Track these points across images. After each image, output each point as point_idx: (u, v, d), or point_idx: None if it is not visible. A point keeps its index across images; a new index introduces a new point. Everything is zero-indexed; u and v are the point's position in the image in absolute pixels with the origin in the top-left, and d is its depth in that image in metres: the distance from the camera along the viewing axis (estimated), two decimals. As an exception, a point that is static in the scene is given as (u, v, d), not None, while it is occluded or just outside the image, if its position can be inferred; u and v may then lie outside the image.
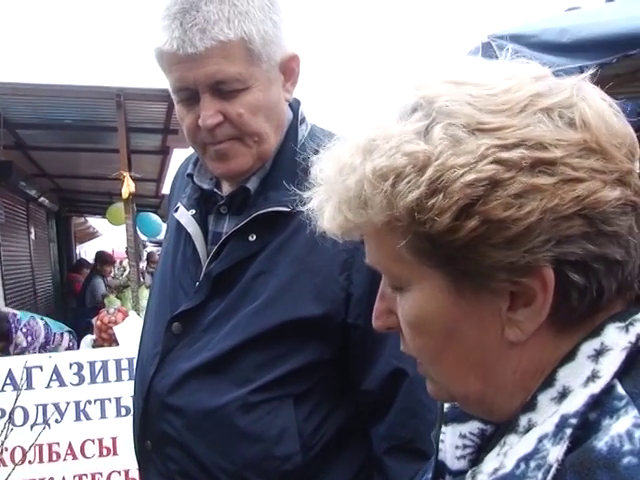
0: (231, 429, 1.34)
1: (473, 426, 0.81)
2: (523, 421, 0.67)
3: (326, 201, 0.74)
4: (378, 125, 0.70)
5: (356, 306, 1.34)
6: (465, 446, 0.81)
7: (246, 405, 1.33)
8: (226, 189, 1.52)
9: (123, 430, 3.32)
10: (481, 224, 0.63)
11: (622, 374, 0.64)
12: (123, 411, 3.55)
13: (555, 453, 0.61)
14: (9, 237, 8.82)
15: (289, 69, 1.43)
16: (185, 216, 1.52)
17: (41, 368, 3.57)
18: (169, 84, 1.38)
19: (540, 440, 0.63)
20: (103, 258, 10.31)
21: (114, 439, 3.52)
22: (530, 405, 0.68)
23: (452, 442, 0.82)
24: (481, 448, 0.80)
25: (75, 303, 10.34)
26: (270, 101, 1.39)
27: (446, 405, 0.85)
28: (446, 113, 0.66)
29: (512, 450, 0.66)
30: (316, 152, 1.42)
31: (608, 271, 0.65)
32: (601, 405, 0.62)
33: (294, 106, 1.51)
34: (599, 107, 0.67)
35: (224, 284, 1.41)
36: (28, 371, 3.52)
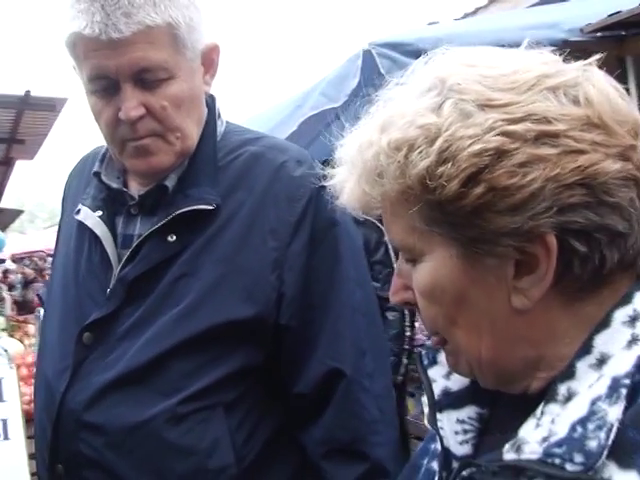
0: (159, 444, 1.24)
1: (470, 411, 0.83)
2: (562, 389, 0.69)
3: (346, 177, 0.77)
4: (396, 105, 0.74)
5: (289, 306, 1.30)
6: (465, 431, 0.82)
7: (175, 417, 1.24)
8: (135, 188, 1.42)
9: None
10: (487, 191, 0.67)
11: None
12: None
13: (615, 412, 0.63)
14: None
15: (209, 60, 1.37)
16: (91, 218, 1.40)
17: None
18: (83, 73, 1.27)
19: (594, 403, 0.65)
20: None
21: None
22: (568, 373, 0.70)
23: (451, 428, 0.83)
24: (482, 431, 0.82)
25: None
26: (193, 93, 1.33)
27: (436, 393, 0.86)
28: (457, 90, 0.71)
29: (560, 417, 0.67)
30: (235, 150, 1.39)
31: (610, 241, 0.69)
32: None
33: (209, 102, 1.45)
34: (603, 87, 0.71)
35: (141, 289, 1.31)
36: None
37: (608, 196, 0.67)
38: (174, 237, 1.32)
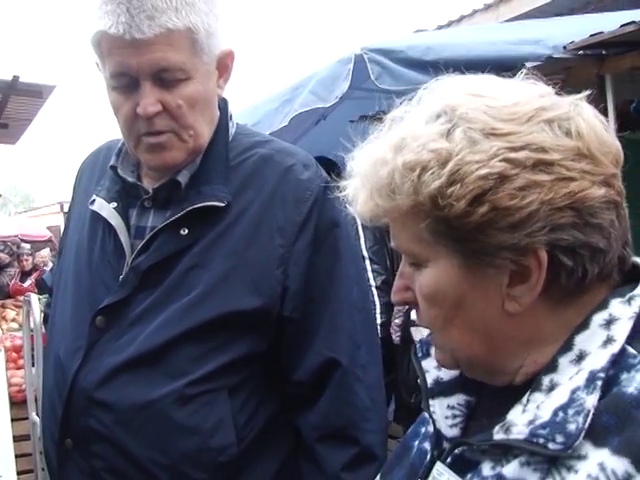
0: (166, 423, 1.33)
1: (460, 398, 0.93)
2: (546, 381, 0.79)
3: (360, 190, 0.84)
4: (408, 127, 0.82)
5: (292, 299, 1.39)
6: (455, 416, 0.92)
7: (182, 398, 1.33)
8: (148, 182, 1.50)
9: None
10: (490, 210, 0.75)
11: (629, 338, 0.77)
12: None
13: (591, 400, 0.73)
14: None
15: (223, 65, 1.45)
16: (106, 209, 1.48)
17: None
18: (106, 69, 1.35)
19: (573, 392, 0.75)
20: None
21: None
22: (552, 367, 0.80)
23: (442, 413, 0.93)
24: (469, 417, 0.92)
25: None
26: (207, 95, 1.41)
27: (429, 382, 0.96)
28: (466, 119, 0.79)
29: (544, 404, 0.77)
30: (245, 151, 1.48)
31: (592, 257, 0.79)
32: (617, 363, 0.75)
33: (221, 105, 1.53)
34: (592, 121, 0.81)
35: (153, 278, 1.39)
36: None
37: (593, 218, 0.77)
38: (186, 230, 1.40)
